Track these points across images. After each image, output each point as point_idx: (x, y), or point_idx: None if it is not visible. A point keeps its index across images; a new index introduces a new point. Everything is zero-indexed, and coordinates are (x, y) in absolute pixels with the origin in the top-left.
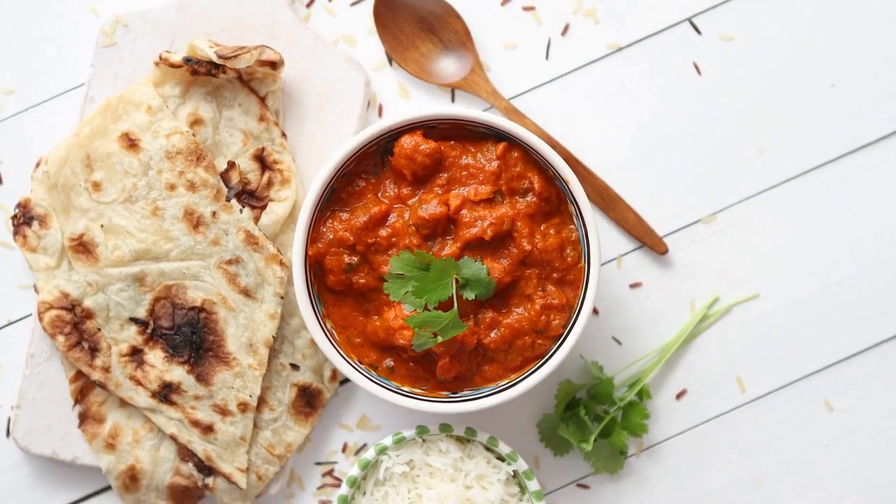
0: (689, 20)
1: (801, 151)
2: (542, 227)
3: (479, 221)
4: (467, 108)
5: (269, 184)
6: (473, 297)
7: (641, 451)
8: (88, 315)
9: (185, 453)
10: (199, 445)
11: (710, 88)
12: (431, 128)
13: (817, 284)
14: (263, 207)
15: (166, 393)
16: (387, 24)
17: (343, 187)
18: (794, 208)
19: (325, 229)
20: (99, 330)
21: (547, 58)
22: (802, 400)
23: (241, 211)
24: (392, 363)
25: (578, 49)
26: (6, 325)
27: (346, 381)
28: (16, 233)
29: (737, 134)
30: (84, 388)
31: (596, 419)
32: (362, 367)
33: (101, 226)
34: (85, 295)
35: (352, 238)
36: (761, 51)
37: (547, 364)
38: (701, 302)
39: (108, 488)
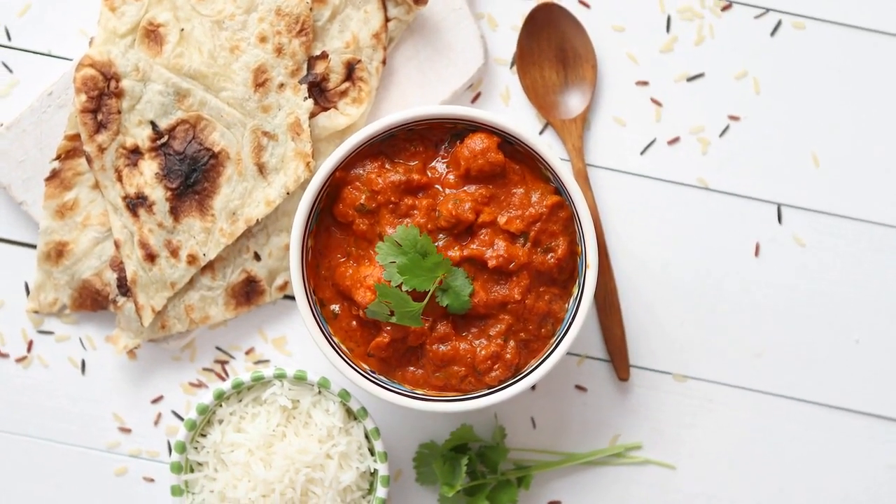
0: (778, 205)
1: (792, 377)
2: (540, 289)
3: (493, 248)
4: (549, 148)
5: (344, 94)
6: (444, 306)
7: None
8: (119, 94)
9: (117, 264)
10: (132, 265)
11: (753, 274)
12: (508, 142)
13: (730, 498)
14: (325, 109)
15: (136, 204)
16: (530, 34)
17: (402, 140)
18: (754, 420)
19: (362, 163)
20: (119, 113)
21: (642, 153)
22: None
23: (304, 99)
24: (338, 310)
25: (673, 164)
26: (45, 55)
27: (291, 297)
28: None
29: (749, 325)
30: (72, 151)
31: (471, 475)
32: (313, 296)
33: (182, 29)
34: (127, 75)
35: (380, 185)
36: (819, 276)
37: (463, 403)
38: (624, 440)
39: (31, 246)
